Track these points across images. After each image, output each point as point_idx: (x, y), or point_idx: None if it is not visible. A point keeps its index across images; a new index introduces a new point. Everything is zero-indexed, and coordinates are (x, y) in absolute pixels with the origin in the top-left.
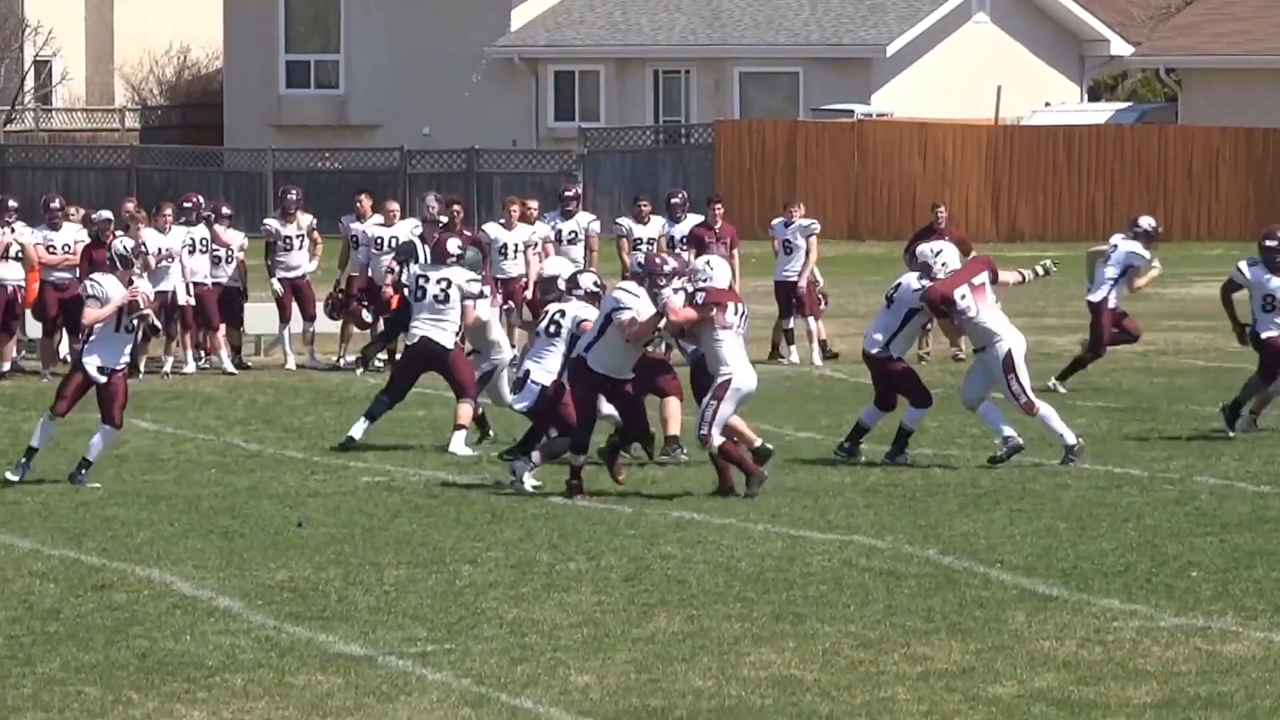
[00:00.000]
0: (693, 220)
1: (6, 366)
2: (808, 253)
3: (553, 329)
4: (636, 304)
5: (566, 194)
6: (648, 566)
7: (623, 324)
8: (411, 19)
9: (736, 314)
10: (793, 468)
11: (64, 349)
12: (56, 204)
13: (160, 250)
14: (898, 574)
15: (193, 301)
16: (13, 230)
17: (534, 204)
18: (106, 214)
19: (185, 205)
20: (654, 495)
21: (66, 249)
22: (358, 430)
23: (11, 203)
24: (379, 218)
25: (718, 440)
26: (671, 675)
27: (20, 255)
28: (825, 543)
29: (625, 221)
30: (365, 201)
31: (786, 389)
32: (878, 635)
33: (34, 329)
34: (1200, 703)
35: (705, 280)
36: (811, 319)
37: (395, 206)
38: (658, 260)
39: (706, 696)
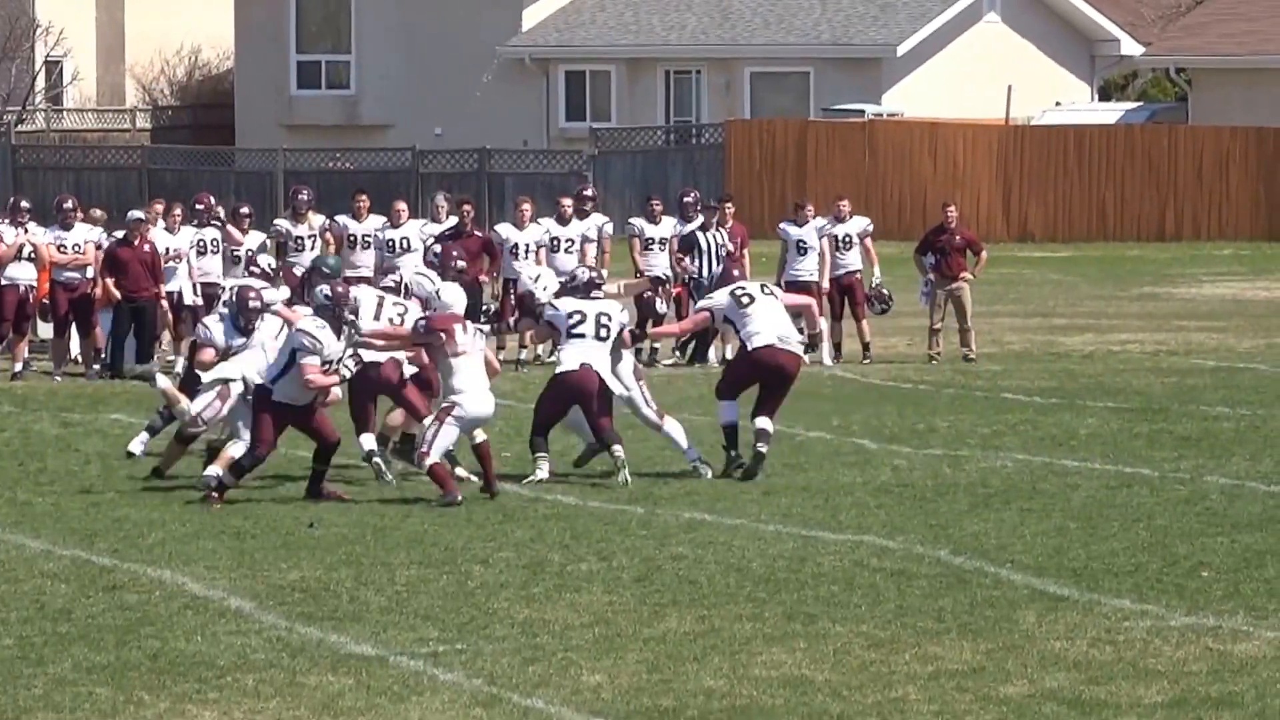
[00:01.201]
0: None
1: (19, 367)
2: (821, 253)
3: (603, 332)
4: (325, 339)
5: (584, 193)
6: (659, 567)
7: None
8: (423, 19)
9: (467, 335)
10: (803, 468)
11: (75, 348)
12: (70, 204)
13: (168, 250)
14: (909, 574)
15: (200, 302)
16: (26, 230)
17: (527, 207)
18: (139, 214)
19: (197, 207)
20: (666, 496)
21: (78, 249)
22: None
23: (24, 203)
24: (377, 218)
25: (430, 461)
26: (683, 675)
27: (33, 255)
28: (837, 543)
29: (637, 222)
30: (363, 201)
31: (798, 388)
32: (889, 635)
33: (46, 329)
34: (1211, 702)
35: (434, 310)
36: (822, 319)
37: (403, 206)
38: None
39: (718, 696)
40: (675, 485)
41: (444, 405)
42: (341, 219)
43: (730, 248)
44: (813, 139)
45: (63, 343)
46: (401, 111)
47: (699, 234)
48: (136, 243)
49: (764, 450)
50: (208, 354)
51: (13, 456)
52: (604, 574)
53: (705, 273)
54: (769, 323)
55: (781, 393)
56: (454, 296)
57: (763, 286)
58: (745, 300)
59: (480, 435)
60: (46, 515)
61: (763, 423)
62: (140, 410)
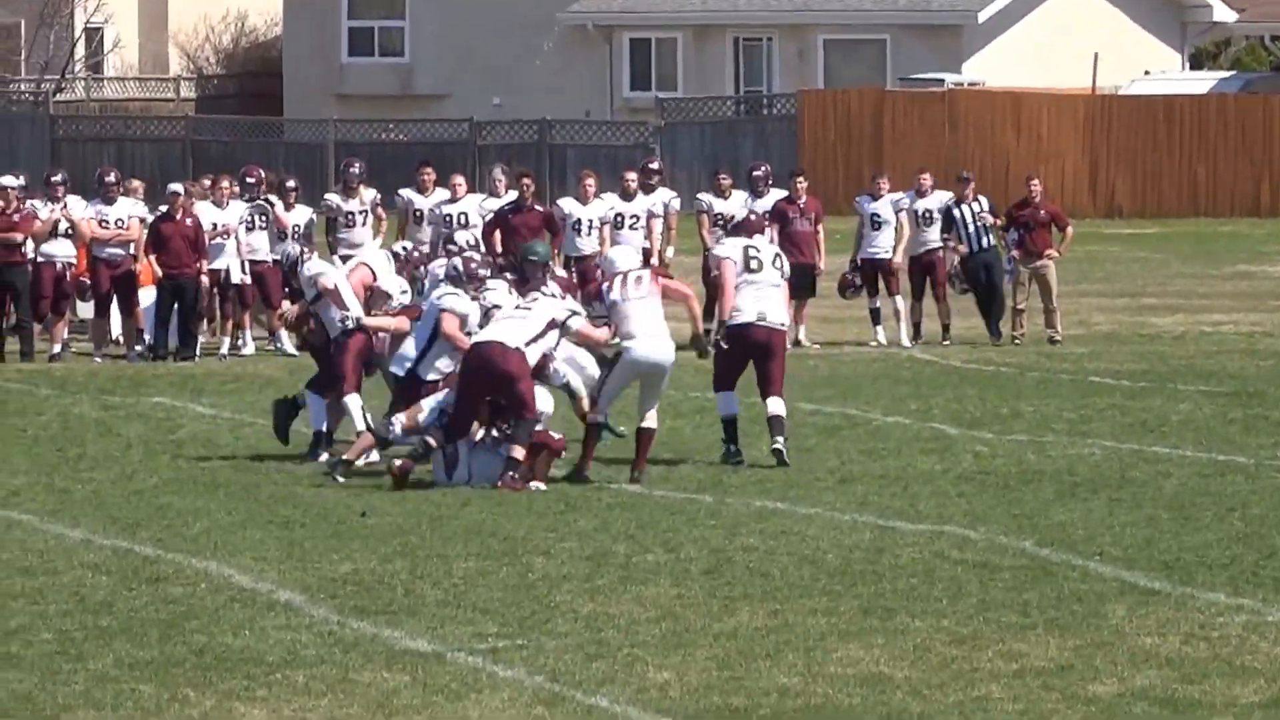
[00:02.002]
0: (775, 195)
1: (57, 348)
2: (898, 228)
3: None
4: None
5: (650, 166)
6: (729, 559)
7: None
8: None
9: (639, 284)
10: (881, 455)
11: (116, 329)
12: (112, 177)
13: (216, 226)
14: (991, 566)
15: (248, 280)
16: (64, 205)
17: (590, 182)
18: (178, 186)
19: (248, 180)
20: (735, 484)
21: (120, 224)
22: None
23: (56, 177)
24: (444, 193)
25: (599, 416)
26: (755, 672)
27: (71, 231)
28: (915, 534)
29: (705, 197)
30: (429, 174)
31: (875, 371)
32: (971, 631)
33: (86, 309)
34: None
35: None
36: (899, 298)
37: (461, 180)
38: (473, 262)
39: (791, 695)
40: (746, 473)
41: (617, 352)
42: (405, 193)
43: (989, 218)
44: (889, 110)
45: (104, 322)
46: (458, 80)
47: (955, 208)
48: (179, 217)
49: (781, 447)
50: (452, 323)
51: (51, 441)
52: (671, 566)
53: (974, 246)
54: (752, 300)
55: (775, 366)
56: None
57: (775, 258)
58: (754, 265)
59: (651, 420)
60: (86, 503)
61: (774, 406)
62: (185, 392)
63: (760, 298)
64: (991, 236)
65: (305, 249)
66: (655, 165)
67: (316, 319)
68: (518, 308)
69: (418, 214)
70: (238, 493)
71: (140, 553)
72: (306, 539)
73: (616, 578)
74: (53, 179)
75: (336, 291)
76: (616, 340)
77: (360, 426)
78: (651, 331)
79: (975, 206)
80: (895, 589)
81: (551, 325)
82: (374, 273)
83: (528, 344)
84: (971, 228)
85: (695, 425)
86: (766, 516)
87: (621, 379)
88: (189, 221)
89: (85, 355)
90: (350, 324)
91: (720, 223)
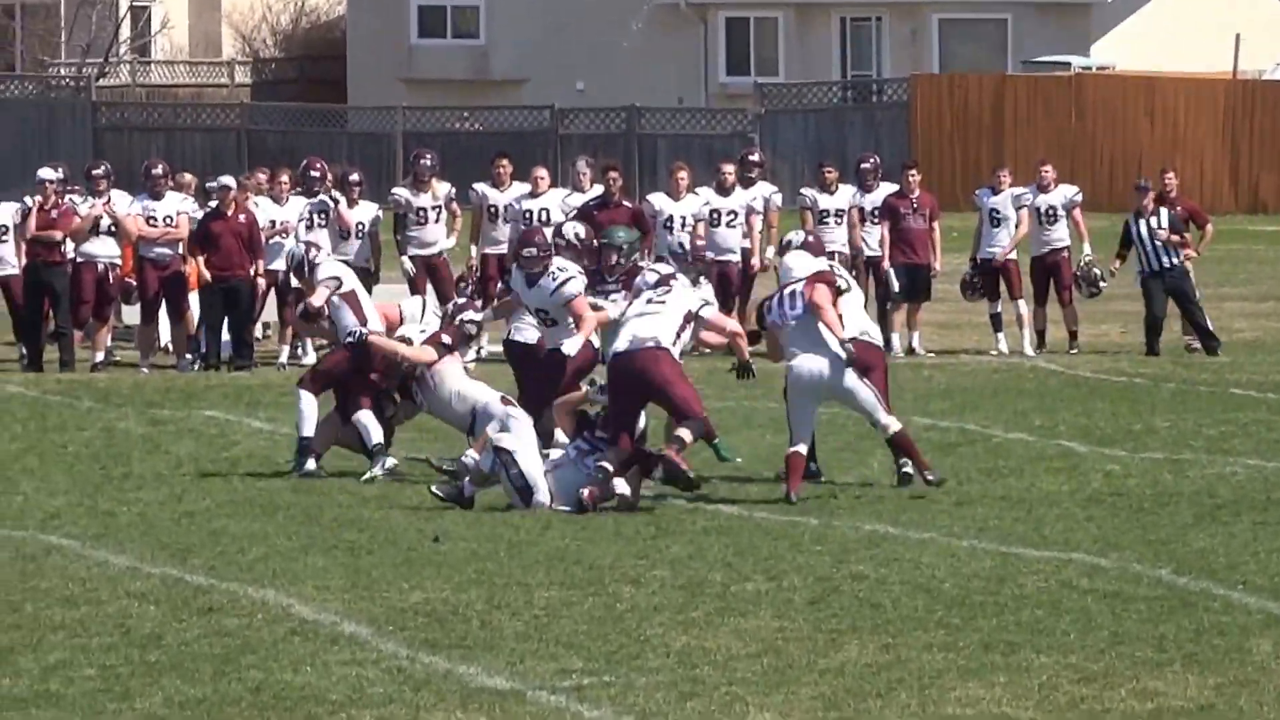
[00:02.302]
0: (886, 189)
1: (100, 356)
2: (1018, 225)
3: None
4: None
5: (749, 158)
6: (836, 588)
7: None
8: None
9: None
10: (1002, 474)
11: (165, 336)
12: (159, 170)
13: (274, 223)
14: (1124, 597)
15: None
16: (107, 200)
17: (683, 175)
18: (228, 180)
19: (311, 173)
20: (843, 506)
21: (169, 221)
22: None
23: (98, 170)
24: (522, 187)
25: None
26: (864, 713)
27: (114, 229)
28: (1041, 561)
29: (809, 192)
30: (505, 167)
31: (996, 382)
32: (1101, 668)
33: (131, 313)
34: None
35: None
36: (1021, 302)
37: (543, 173)
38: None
39: None
40: (854, 493)
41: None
42: (480, 187)
43: (1164, 234)
44: (1010, 96)
45: (151, 329)
46: (538, 64)
47: (1132, 223)
48: (230, 213)
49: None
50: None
51: (94, 459)
52: (773, 596)
53: (1152, 266)
54: (854, 320)
55: (876, 379)
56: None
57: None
58: (844, 286)
59: (893, 424)
60: (133, 527)
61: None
62: (240, 406)
63: (857, 317)
64: (1175, 255)
65: (314, 248)
66: (755, 157)
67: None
68: (650, 301)
69: (492, 210)
70: (298, 515)
71: (191, 581)
72: (374, 566)
73: (713, 608)
74: (95, 172)
75: (354, 296)
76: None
77: (377, 439)
78: (814, 343)
79: (1153, 221)
80: (1018, 621)
81: (688, 318)
82: (401, 316)
83: (673, 342)
84: (1149, 245)
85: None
86: (877, 542)
87: (795, 401)
88: (242, 218)
89: (131, 365)
90: (356, 338)
91: (825, 219)
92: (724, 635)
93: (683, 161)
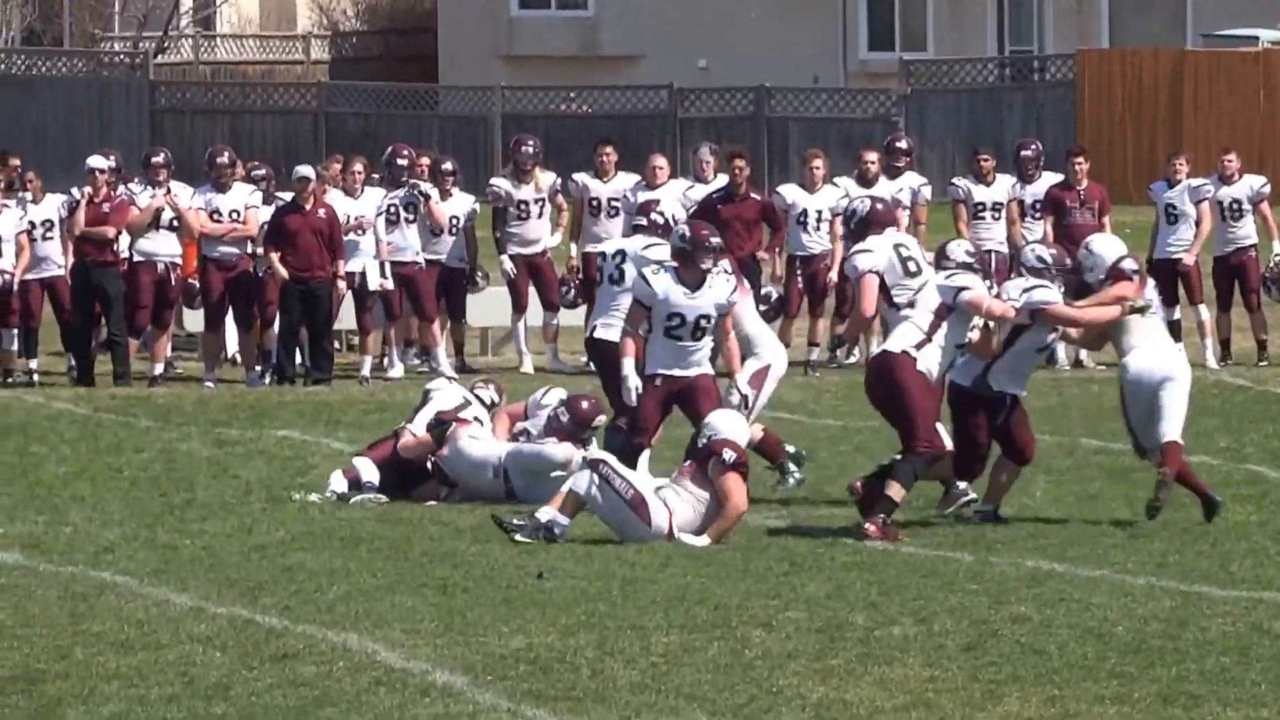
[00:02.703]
0: (1049, 180)
1: (159, 369)
2: (1198, 222)
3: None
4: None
5: (895, 145)
6: (995, 632)
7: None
8: None
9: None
10: (1183, 503)
11: (232, 346)
12: (225, 158)
13: (349, 219)
14: None
15: (390, 284)
16: (168, 192)
17: (819, 164)
18: (307, 170)
19: (398, 162)
20: (1001, 540)
21: (236, 216)
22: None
23: (158, 158)
24: (628, 178)
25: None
26: None
27: (176, 224)
28: (1227, 601)
29: (962, 183)
30: (609, 155)
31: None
32: None
33: (195, 320)
34: None
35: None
36: (1202, 308)
37: (662, 162)
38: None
39: None
40: (1015, 527)
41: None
42: (581, 178)
43: None
44: (1190, 74)
45: (216, 337)
46: (654, 38)
47: None
48: (309, 207)
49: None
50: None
51: (153, 485)
52: (922, 641)
53: None
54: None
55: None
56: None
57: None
58: (912, 269)
59: (1170, 432)
60: (196, 562)
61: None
62: (317, 424)
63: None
64: None
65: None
66: (902, 144)
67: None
68: None
69: (594, 204)
70: (384, 550)
71: (263, 623)
72: (470, 607)
73: (854, 655)
74: (153, 160)
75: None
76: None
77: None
78: (1151, 341)
79: None
80: (1202, 670)
81: (941, 312)
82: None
83: (918, 346)
84: None
85: None
86: (1041, 580)
87: (1132, 402)
88: (321, 213)
89: (194, 378)
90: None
91: (981, 213)
92: (867, 686)
93: (818, 148)
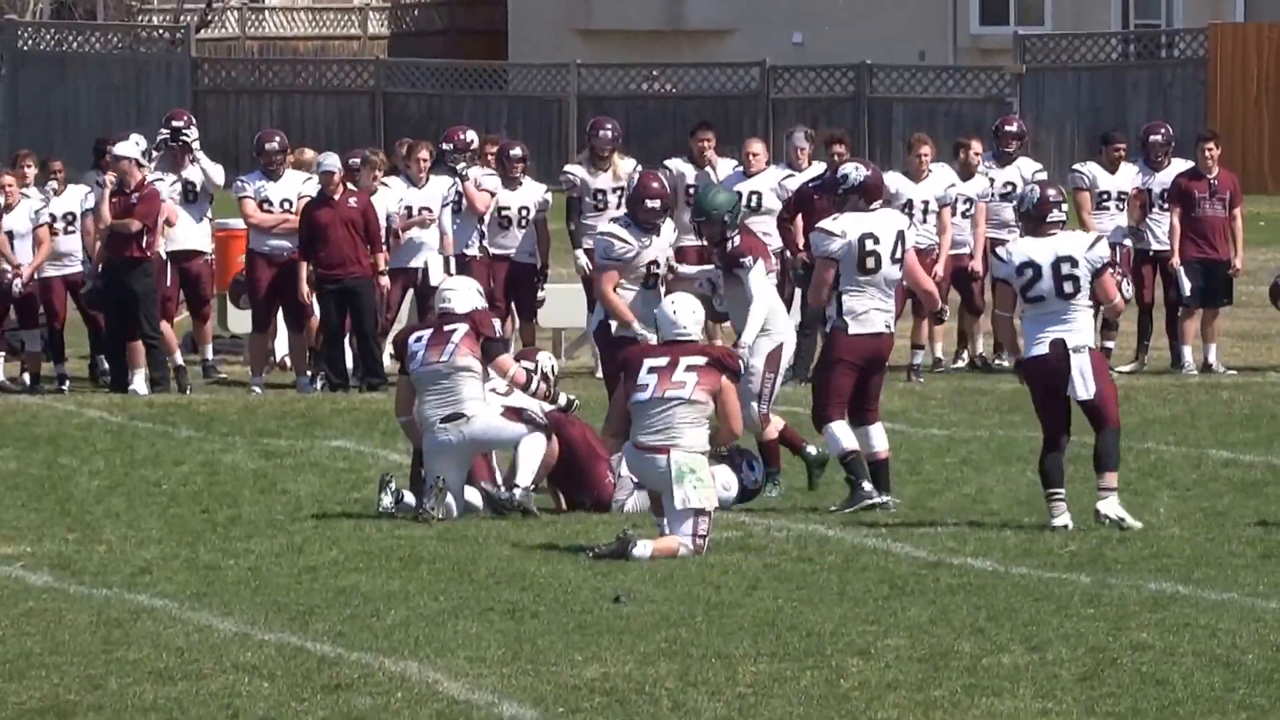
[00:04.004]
0: (1178, 167)
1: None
2: None
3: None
4: None
5: (1007, 129)
6: (1114, 660)
7: None
8: None
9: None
10: None
11: (281, 347)
12: (275, 144)
13: (410, 210)
14: None
15: None
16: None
17: (926, 150)
18: (331, 163)
19: (444, 145)
20: (1121, 560)
21: (288, 206)
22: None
23: (187, 135)
24: (729, 163)
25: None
26: None
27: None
28: None
29: (1088, 169)
30: (709, 140)
31: None
32: None
33: (241, 320)
34: None
35: None
36: None
37: (759, 149)
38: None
39: None
40: (1136, 546)
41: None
42: (674, 164)
43: None
44: None
45: (264, 339)
46: (745, 11)
47: None
48: (337, 199)
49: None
50: None
51: (194, 500)
52: (1035, 670)
53: None
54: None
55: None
56: None
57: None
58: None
59: None
60: (242, 584)
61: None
62: (373, 434)
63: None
64: None
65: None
66: (1014, 127)
67: None
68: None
69: (690, 192)
70: (446, 570)
71: (314, 651)
72: (540, 633)
73: (960, 686)
74: (183, 132)
75: None
76: None
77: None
78: None
79: None
80: None
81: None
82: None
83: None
84: None
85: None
86: (1164, 604)
87: None
88: (353, 202)
89: (239, 384)
90: None
91: (1105, 203)
92: (974, 718)
93: (924, 132)
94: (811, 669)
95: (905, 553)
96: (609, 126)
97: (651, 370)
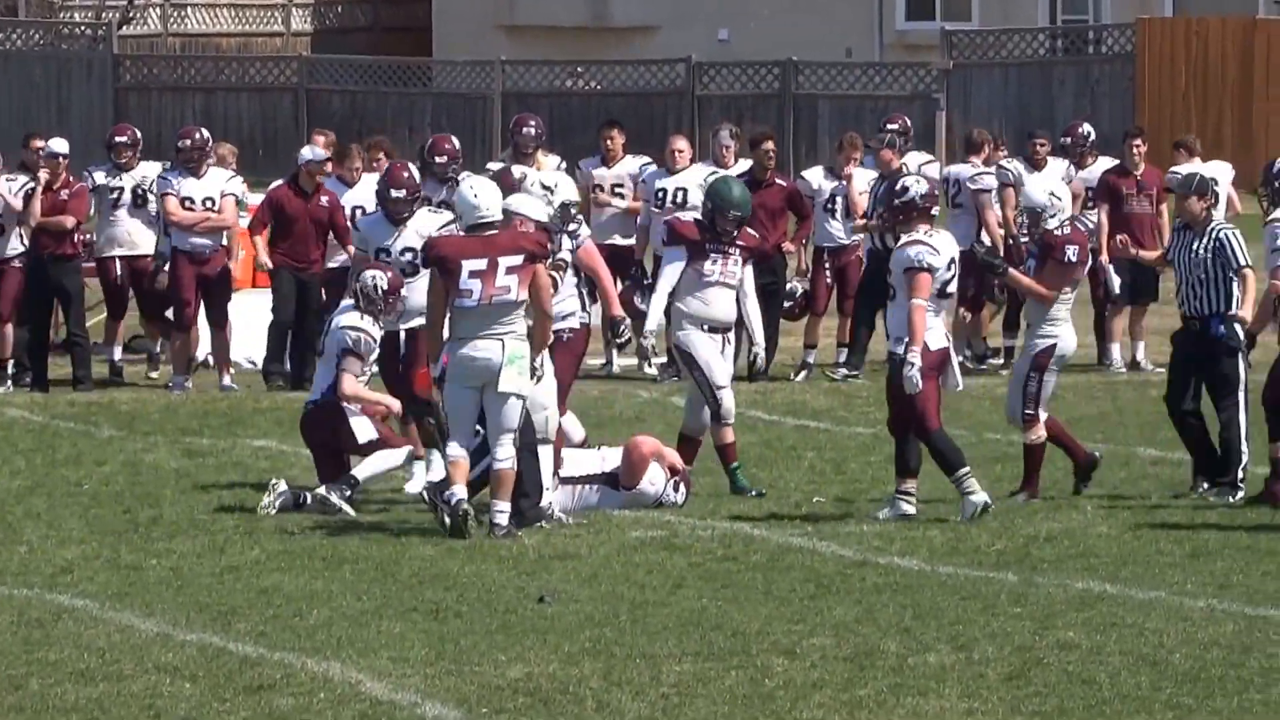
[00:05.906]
0: (1104, 164)
1: (118, 353)
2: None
3: None
4: None
5: (890, 125)
6: (1040, 659)
7: None
8: None
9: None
10: (1247, 519)
11: (204, 349)
12: (191, 141)
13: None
14: None
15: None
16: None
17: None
18: (317, 151)
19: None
20: (1048, 558)
21: (210, 204)
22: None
23: (122, 138)
24: (633, 161)
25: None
26: None
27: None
28: None
29: (1013, 165)
30: (615, 138)
31: None
32: None
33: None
34: None
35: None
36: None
37: (683, 145)
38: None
39: None
40: (1062, 545)
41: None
42: (587, 164)
43: None
44: (1261, 46)
45: (188, 338)
46: (670, 8)
47: None
48: (313, 194)
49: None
50: None
51: (116, 500)
52: (961, 669)
53: None
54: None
55: None
56: None
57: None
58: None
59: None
60: (164, 584)
61: None
62: (296, 434)
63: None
64: None
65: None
66: (895, 125)
67: None
68: None
69: (598, 190)
70: (369, 570)
71: (236, 651)
72: (464, 633)
73: (886, 685)
74: (118, 140)
75: None
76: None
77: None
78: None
79: None
80: (1266, 701)
81: None
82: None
83: None
84: None
85: (994, 478)
86: (1090, 602)
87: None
88: (324, 201)
89: (158, 386)
90: None
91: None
92: (900, 718)
93: (852, 130)
94: (736, 668)
95: (831, 551)
96: (532, 124)
97: (473, 275)
